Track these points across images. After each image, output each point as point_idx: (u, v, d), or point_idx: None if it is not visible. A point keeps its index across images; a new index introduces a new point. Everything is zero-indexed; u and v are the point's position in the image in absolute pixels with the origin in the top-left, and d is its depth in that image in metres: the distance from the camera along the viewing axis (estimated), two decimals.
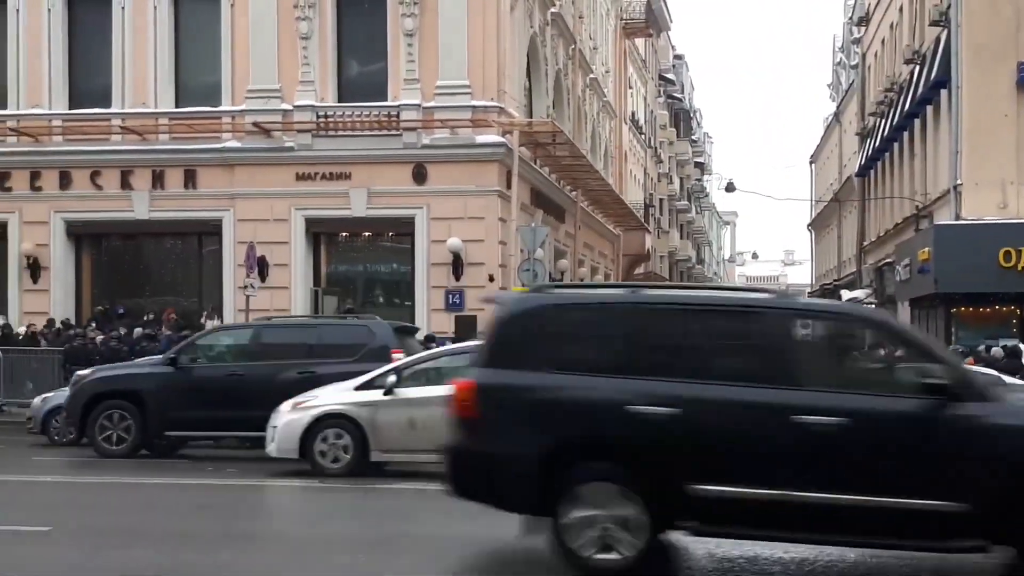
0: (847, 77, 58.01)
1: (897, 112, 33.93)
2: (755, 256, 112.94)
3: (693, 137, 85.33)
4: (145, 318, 26.70)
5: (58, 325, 26.51)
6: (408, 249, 27.39)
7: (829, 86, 69.95)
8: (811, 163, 69.34)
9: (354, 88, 27.08)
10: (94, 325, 25.91)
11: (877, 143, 38.07)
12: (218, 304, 27.26)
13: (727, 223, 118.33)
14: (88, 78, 27.86)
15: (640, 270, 52.55)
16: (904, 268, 30.75)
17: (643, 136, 59.08)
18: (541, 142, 29.01)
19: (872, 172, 41.82)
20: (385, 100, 26.74)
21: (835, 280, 54.58)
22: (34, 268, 27.64)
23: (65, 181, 27.66)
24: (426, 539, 9.53)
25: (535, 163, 30.26)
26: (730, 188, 45.66)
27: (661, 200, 67.39)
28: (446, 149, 26.57)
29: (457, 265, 26.39)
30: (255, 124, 26.79)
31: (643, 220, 49.41)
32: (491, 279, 26.34)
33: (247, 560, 8.61)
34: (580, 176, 33.85)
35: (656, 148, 65.85)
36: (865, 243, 44.80)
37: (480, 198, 26.51)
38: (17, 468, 15.55)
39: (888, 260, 35.80)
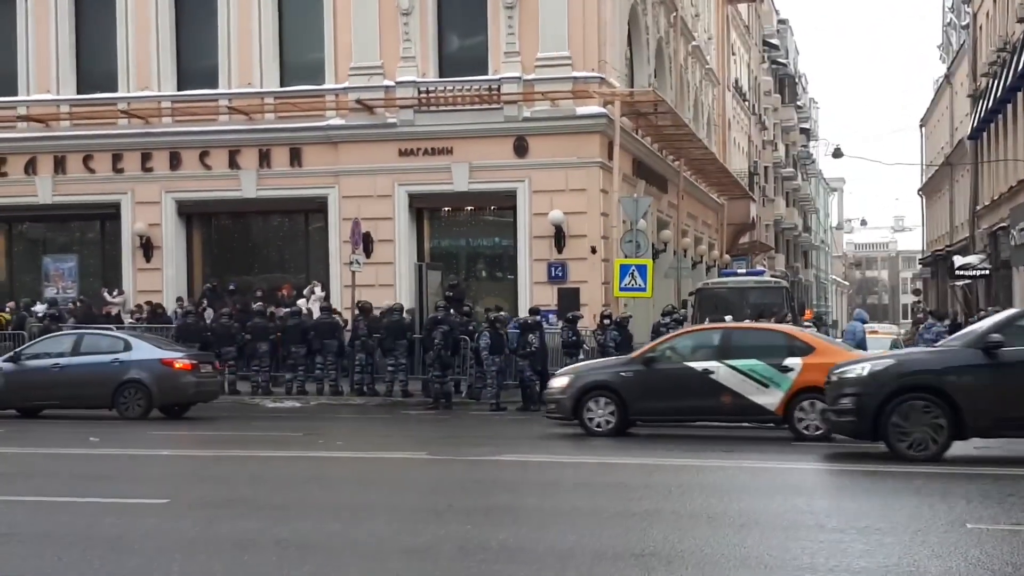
0: (958, 37, 56.31)
1: (1011, 72, 32.89)
2: (864, 223, 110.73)
3: (798, 103, 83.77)
4: (256, 294, 27.23)
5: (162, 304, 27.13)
6: (510, 222, 27.44)
7: (939, 47, 68.00)
8: (921, 126, 67.59)
9: (454, 62, 27.17)
10: (205, 303, 26.51)
11: (990, 105, 36.95)
12: (324, 279, 27.68)
13: (834, 190, 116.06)
14: (195, 59, 28.43)
15: (745, 239, 51.93)
16: (1020, 232, 29.88)
17: (747, 103, 58.20)
18: (643, 112, 28.77)
19: (985, 134, 40.61)
20: (485, 74, 26.78)
21: (947, 246, 53.23)
22: (147, 247, 28.38)
23: (175, 162, 28.31)
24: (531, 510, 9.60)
25: (637, 133, 30.03)
26: (837, 154, 44.77)
27: (766, 168, 66.39)
28: (547, 121, 26.51)
29: (559, 237, 26.37)
30: (358, 101, 27.05)
31: (748, 188, 48.75)
32: (593, 251, 26.28)
33: (357, 530, 8.78)
34: (682, 145, 33.50)
35: (760, 115, 64.84)
36: (978, 207, 43.58)
37: (581, 170, 26.42)
38: (136, 443, 16.05)
39: (1003, 224, 34.80)
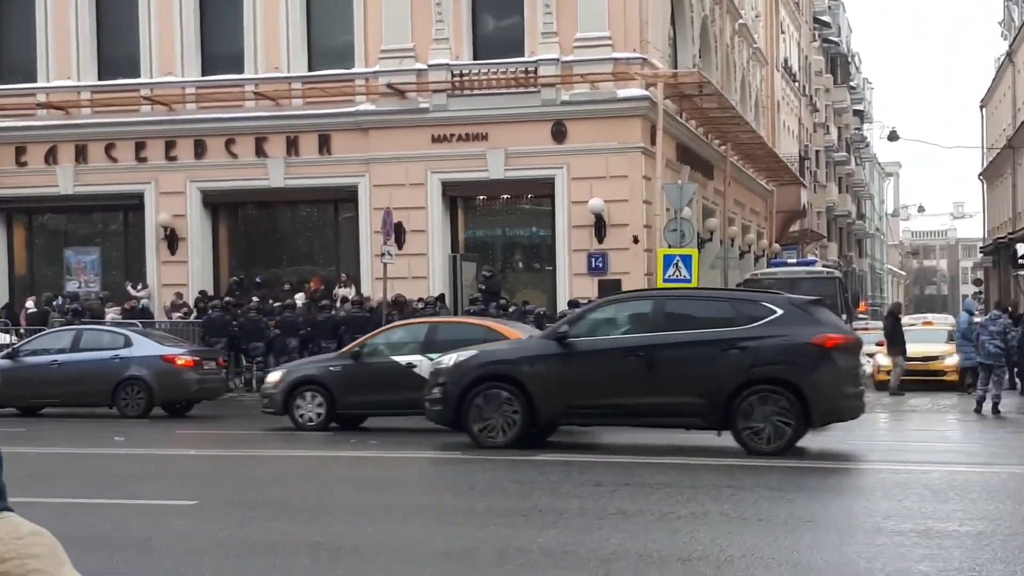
0: (1020, 13, 55.65)
1: None
2: (921, 209, 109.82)
3: (851, 83, 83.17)
4: (285, 287, 27.40)
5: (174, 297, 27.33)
6: (548, 211, 27.45)
7: (1000, 23, 67.24)
8: (982, 107, 66.88)
9: (489, 44, 27.20)
10: (229, 299, 26.67)
11: None
12: (355, 271, 27.81)
13: (890, 175, 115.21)
14: (219, 43, 28.62)
15: (795, 227, 51.66)
16: None
17: (797, 84, 57.86)
18: (687, 94, 28.68)
19: None
20: (522, 56, 26.80)
21: (1010, 233, 52.69)
22: (171, 239, 28.60)
23: (200, 150, 28.50)
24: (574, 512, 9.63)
25: (681, 117, 29.94)
26: (893, 137, 44.51)
27: (817, 152, 66.00)
28: (586, 105, 26.48)
29: (599, 227, 26.35)
30: (389, 86, 27.14)
31: (798, 174, 48.52)
32: (636, 241, 26.25)
33: (392, 532, 8.83)
34: (729, 129, 33.37)
35: (811, 96, 64.44)
36: None
37: (623, 155, 26.38)
38: (162, 442, 16.22)
39: None
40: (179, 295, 27.56)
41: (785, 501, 10.33)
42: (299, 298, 26.12)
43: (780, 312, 13.73)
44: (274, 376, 17.76)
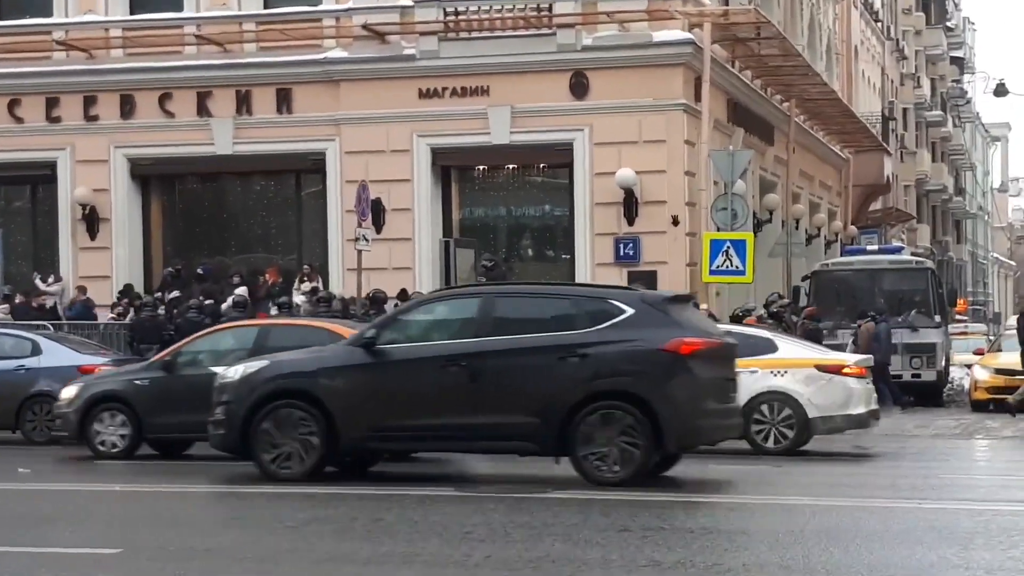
0: None
1: None
2: None
3: (949, 23, 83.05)
4: (233, 280, 27.42)
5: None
6: (565, 185, 27.46)
7: None
8: None
9: None
10: (162, 295, 26.69)
11: None
12: (322, 261, 27.83)
13: (996, 139, 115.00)
14: None
15: (877, 206, 51.58)
16: None
17: (880, 24, 57.76)
18: (741, 37, 28.66)
19: None
20: None
21: None
22: (91, 220, 28.65)
23: (127, 108, 28.54)
24: None
25: (733, 66, 29.91)
26: (1000, 91, 44.52)
27: (905, 110, 65.90)
28: (614, 51, 26.48)
29: (630, 204, 26.36)
30: (365, 27, 27.15)
31: (880, 138, 48.44)
32: (675, 222, 26.25)
33: None
34: (794, 82, 33.33)
35: (898, 40, 64.34)
36: None
37: (660, 115, 26.38)
38: (79, 474, 16.22)
39: None
40: (82, 288, 27.48)
41: (860, 550, 10.33)
42: (240, 292, 25.99)
43: (630, 312, 13.95)
44: (69, 391, 17.96)
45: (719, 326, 17.65)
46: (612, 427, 13.62)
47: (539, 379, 13.82)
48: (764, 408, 17.87)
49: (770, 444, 17.85)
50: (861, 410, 18.23)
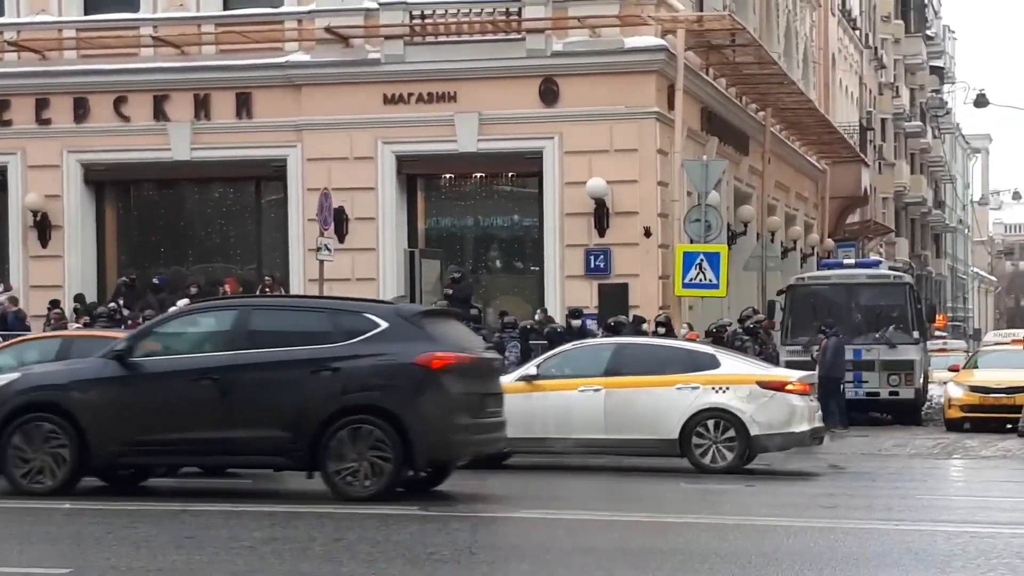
0: None
1: None
2: (1017, 196, 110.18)
3: (928, 32, 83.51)
4: (189, 291, 27.31)
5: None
6: (534, 195, 27.50)
7: None
8: None
9: None
10: (120, 302, 26.63)
11: None
12: (283, 271, 27.78)
13: (977, 151, 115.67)
14: None
15: (854, 217, 51.76)
16: None
17: (858, 32, 58.04)
18: (715, 44, 28.75)
19: None
20: None
21: None
22: (42, 227, 28.52)
23: (81, 111, 28.44)
24: None
25: (707, 73, 30.00)
26: (981, 102, 44.76)
27: (884, 120, 66.20)
28: (585, 57, 26.54)
29: (601, 215, 26.40)
30: (328, 30, 27.13)
31: (858, 149, 48.65)
32: (647, 234, 26.31)
33: None
34: (770, 90, 33.45)
35: (877, 49, 64.65)
36: None
37: (632, 123, 26.45)
38: (27, 492, 16.11)
39: None
40: (13, 299, 27.22)
41: (835, 573, 10.36)
42: None
43: (384, 326, 14.25)
44: None
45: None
46: (362, 442, 13.92)
47: (290, 393, 14.10)
48: (705, 426, 17.92)
49: (712, 462, 17.88)
50: (804, 428, 18.22)
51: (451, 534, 12.39)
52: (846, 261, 36.70)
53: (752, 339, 24.40)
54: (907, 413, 28.43)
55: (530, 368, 18.77)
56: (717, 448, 17.93)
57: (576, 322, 23.68)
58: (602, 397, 18.12)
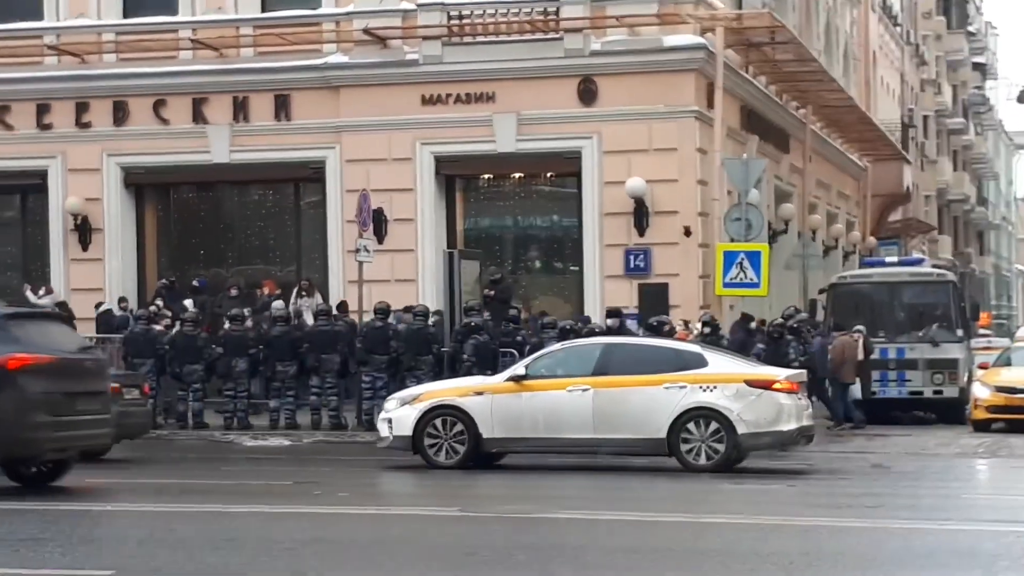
0: None
1: None
2: None
3: (970, 28, 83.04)
4: (231, 293, 27.42)
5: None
6: (573, 195, 27.47)
7: None
8: None
9: None
10: (160, 304, 26.75)
11: None
12: (322, 273, 27.84)
13: (1020, 147, 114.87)
14: None
15: (896, 215, 51.52)
16: None
17: (899, 29, 57.76)
18: (755, 42, 28.67)
19: None
20: None
21: None
22: (83, 230, 28.67)
23: (120, 114, 28.58)
24: None
25: (747, 72, 29.92)
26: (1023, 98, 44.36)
27: (926, 117, 65.85)
28: (623, 56, 26.51)
29: (641, 215, 26.36)
30: (366, 31, 27.18)
31: (900, 146, 48.43)
32: (687, 233, 26.25)
33: None
34: (810, 88, 33.32)
35: (918, 45, 64.32)
36: None
37: (671, 122, 26.40)
38: (68, 493, 16.22)
39: None
40: (61, 304, 27.34)
41: (878, 574, 10.29)
42: (278, 306, 25.97)
43: None
44: None
45: None
46: None
47: None
48: (692, 424, 17.87)
49: (701, 461, 17.81)
50: (792, 426, 18.10)
51: (491, 535, 12.40)
52: (888, 259, 36.46)
53: (795, 338, 24.26)
54: (951, 412, 28.21)
55: (519, 368, 18.79)
56: (705, 447, 17.86)
57: (613, 322, 23.62)
58: (590, 397, 18.11)
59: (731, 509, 14.88)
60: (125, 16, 28.88)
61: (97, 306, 27.50)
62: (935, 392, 28.08)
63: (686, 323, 24.70)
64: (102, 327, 26.80)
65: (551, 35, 26.85)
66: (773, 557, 10.95)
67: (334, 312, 25.10)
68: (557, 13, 26.85)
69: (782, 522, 13.20)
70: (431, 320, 24.27)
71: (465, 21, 27.25)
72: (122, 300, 27.68)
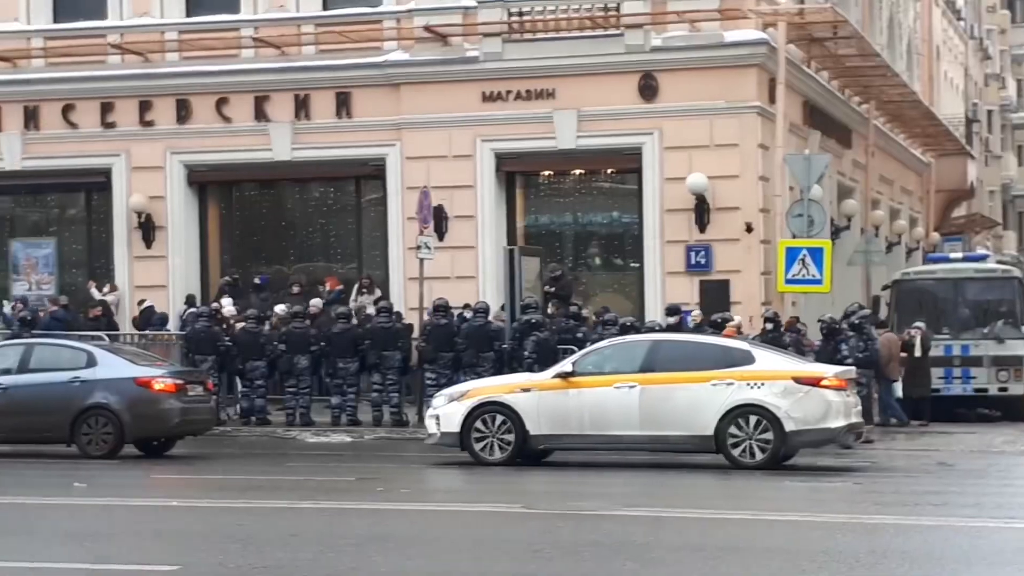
0: None
1: None
2: None
3: None
4: (293, 290, 27.55)
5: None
6: (634, 191, 27.40)
7: None
8: None
9: None
10: (222, 302, 26.90)
11: None
12: (383, 270, 27.93)
13: None
14: None
15: (960, 211, 51.11)
16: None
17: (963, 23, 57.26)
18: (817, 37, 28.50)
19: None
20: None
21: None
22: (147, 228, 28.86)
23: (183, 112, 28.76)
24: None
25: (809, 67, 29.76)
26: None
27: (990, 112, 65.26)
28: (684, 52, 26.42)
29: (702, 211, 26.27)
30: (427, 28, 27.23)
31: (964, 141, 48.03)
32: (749, 229, 26.15)
33: None
34: (873, 83, 33.11)
35: (982, 39, 63.75)
36: None
37: (732, 118, 26.29)
38: (134, 490, 16.39)
39: None
40: (53, 299, 27.40)
41: (943, 573, 10.24)
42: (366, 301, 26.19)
43: None
44: None
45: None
46: None
47: None
48: (741, 421, 17.79)
49: (748, 459, 17.72)
50: (840, 423, 17.99)
51: (555, 532, 12.41)
52: (953, 255, 36.15)
53: (857, 335, 24.10)
54: (1016, 409, 27.96)
55: (566, 365, 18.81)
56: (752, 444, 17.78)
57: (674, 318, 23.56)
58: (637, 393, 18.11)
59: (798, 507, 14.83)
60: (188, 15, 29.05)
61: (140, 303, 27.66)
62: (1000, 389, 27.85)
63: (750, 320, 24.62)
64: (142, 323, 27.01)
65: (612, 31, 26.78)
66: (840, 555, 10.91)
67: (395, 310, 25.17)
68: (618, 9, 26.77)
69: (848, 520, 13.14)
70: (497, 316, 24.34)
71: (525, 18, 27.25)
72: (189, 298, 27.88)
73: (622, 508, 13.85)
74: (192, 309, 26.70)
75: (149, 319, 26.99)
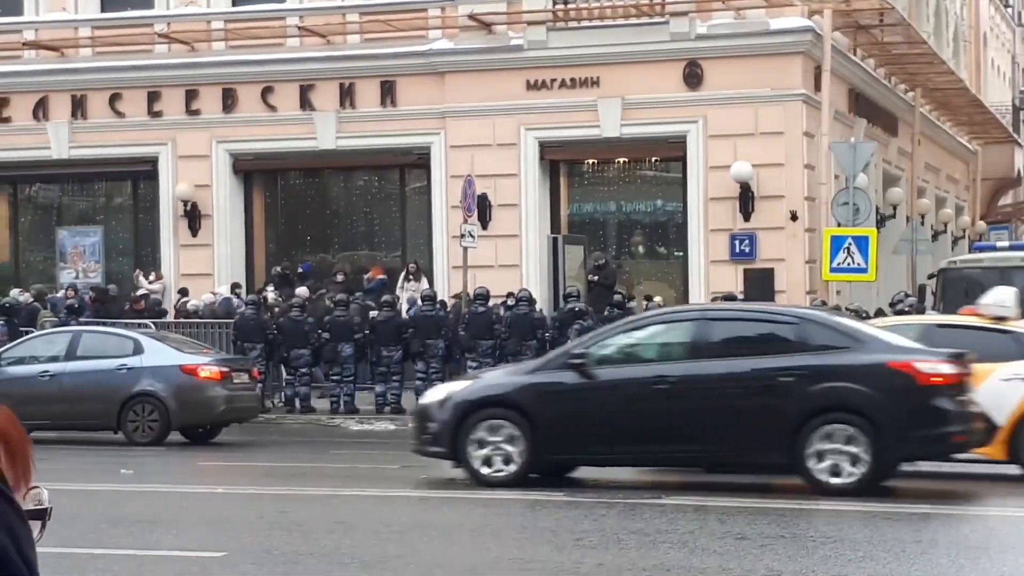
0: None
1: None
2: None
3: None
4: (337, 278, 27.63)
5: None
6: (678, 179, 27.36)
7: None
8: None
9: None
10: (271, 289, 27.03)
11: None
12: (427, 258, 27.99)
13: None
14: None
15: (1007, 199, 50.78)
16: None
17: (1011, 10, 56.85)
18: (863, 24, 28.37)
19: None
20: None
21: None
22: (192, 217, 29.01)
23: (229, 101, 28.89)
24: None
25: (855, 55, 29.61)
26: None
27: None
28: (729, 40, 26.34)
29: (746, 199, 26.20)
30: (471, 17, 27.24)
31: (1011, 129, 47.71)
32: (794, 218, 26.06)
33: None
34: (919, 70, 32.92)
35: None
36: None
37: (777, 106, 26.20)
38: (180, 476, 16.51)
39: None
40: (69, 288, 27.46)
41: None
42: (421, 289, 26.18)
43: None
44: None
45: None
46: None
47: None
48: None
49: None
50: None
51: (598, 520, 12.42)
52: (999, 244, 35.83)
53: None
54: None
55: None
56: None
57: None
58: None
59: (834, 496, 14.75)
60: (234, 4, 29.19)
61: (182, 291, 27.78)
62: None
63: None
64: (179, 313, 27.17)
65: (656, 19, 26.74)
66: (885, 544, 10.87)
67: (440, 298, 25.23)
68: None
69: (895, 509, 13.08)
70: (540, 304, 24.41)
71: (570, 6, 27.24)
72: (236, 286, 28.02)
73: (665, 497, 13.83)
74: (221, 297, 26.89)
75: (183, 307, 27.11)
